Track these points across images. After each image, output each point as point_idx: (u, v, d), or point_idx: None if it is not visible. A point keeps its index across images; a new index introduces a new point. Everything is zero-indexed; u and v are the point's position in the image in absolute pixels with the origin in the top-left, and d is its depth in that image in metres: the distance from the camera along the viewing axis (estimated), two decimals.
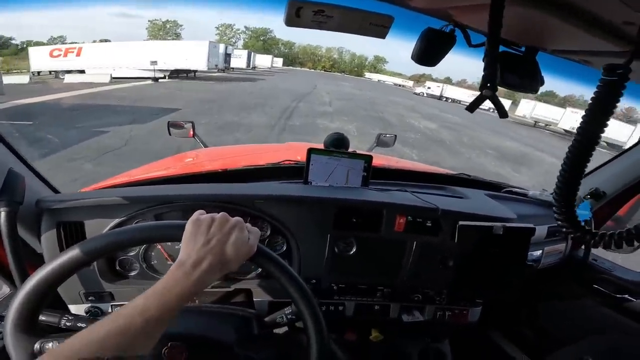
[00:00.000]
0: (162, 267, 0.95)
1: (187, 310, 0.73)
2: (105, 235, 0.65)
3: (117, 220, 0.88)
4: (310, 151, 1.03)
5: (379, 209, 0.97)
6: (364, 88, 33.19)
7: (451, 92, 39.80)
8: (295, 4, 0.59)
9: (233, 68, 35.22)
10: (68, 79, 26.36)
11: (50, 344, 0.58)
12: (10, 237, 0.74)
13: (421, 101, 29.24)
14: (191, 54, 21.91)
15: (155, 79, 20.42)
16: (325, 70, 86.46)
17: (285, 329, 0.77)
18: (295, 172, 1.16)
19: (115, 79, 20.60)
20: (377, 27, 0.64)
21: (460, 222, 0.97)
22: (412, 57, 0.68)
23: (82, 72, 24.47)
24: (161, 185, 1.03)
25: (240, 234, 0.56)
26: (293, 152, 1.62)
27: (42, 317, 0.65)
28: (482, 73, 0.52)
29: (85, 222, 0.87)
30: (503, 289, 1.08)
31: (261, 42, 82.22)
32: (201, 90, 17.04)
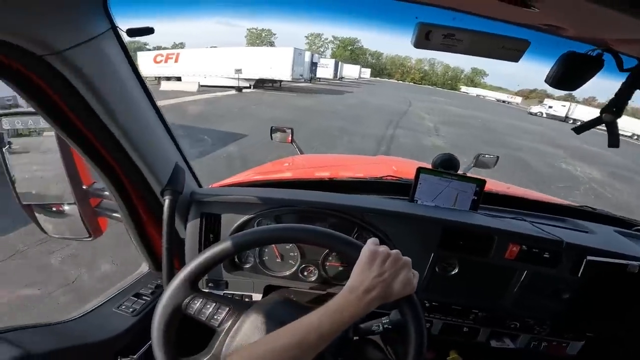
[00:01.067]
0: (271, 264, 1.01)
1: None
2: (294, 227, 0.72)
3: (245, 217, 0.96)
4: (420, 170, 1.03)
5: (491, 235, 0.95)
6: (466, 106, 28.02)
7: (580, 112, 31.42)
8: (426, 27, 0.60)
9: (319, 78, 33.69)
10: (163, 86, 27.52)
11: (197, 302, 0.68)
12: (169, 222, 0.83)
13: (546, 125, 22.92)
14: (275, 62, 20.41)
15: (239, 89, 19.40)
16: (414, 83, 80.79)
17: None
18: (397, 188, 1.17)
19: (203, 88, 20.22)
20: (510, 51, 0.63)
21: (589, 257, 0.92)
22: (547, 81, 0.65)
23: (179, 79, 25.38)
24: (283, 189, 1.06)
25: (408, 273, 0.60)
26: (386, 166, 1.70)
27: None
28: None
29: (222, 216, 0.97)
30: (626, 326, 1.03)
31: (349, 51, 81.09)
32: (281, 105, 15.07)
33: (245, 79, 20.38)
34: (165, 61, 25.81)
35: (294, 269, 0.99)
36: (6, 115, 0.84)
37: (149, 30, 0.68)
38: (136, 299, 0.97)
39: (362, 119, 12.54)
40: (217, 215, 0.97)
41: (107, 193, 0.91)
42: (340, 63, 40.09)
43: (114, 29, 0.66)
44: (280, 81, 22.31)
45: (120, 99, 0.72)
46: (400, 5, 0.59)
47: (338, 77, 38.65)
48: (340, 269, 0.99)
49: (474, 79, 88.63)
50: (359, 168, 1.78)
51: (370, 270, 0.58)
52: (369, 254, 0.60)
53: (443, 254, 0.96)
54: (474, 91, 63.64)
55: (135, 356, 0.87)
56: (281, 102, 16.24)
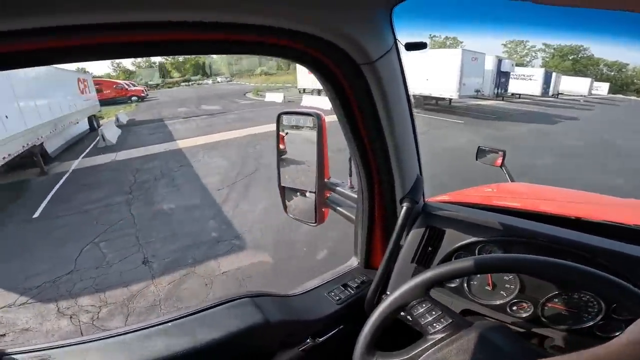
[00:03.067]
0: (477, 290, 0.94)
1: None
2: (560, 263, 0.67)
3: (472, 239, 0.92)
4: None
5: None
6: None
7: None
8: None
9: (517, 95, 23.79)
10: (269, 97, 24.58)
11: (424, 306, 0.72)
12: (400, 228, 0.88)
13: None
14: (434, 71, 13.83)
15: None
16: None
17: None
18: None
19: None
20: None
21: None
22: None
23: (320, 92, 22.60)
24: (518, 218, 0.97)
25: None
26: None
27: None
28: None
29: (447, 231, 0.96)
30: None
31: (570, 61, 59.42)
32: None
33: None
34: None
35: (504, 301, 0.89)
36: (285, 113, 1.05)
37: (423, 45, 0.71)
38: (344, 289, 1.03)
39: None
40: (441, 231, 0.97)
41: (338, 188, 1.07)
42: (554, 74, 27.65)
43: (396, 42, 0.73)
44: (450, 99, 15.43)
45: (396, 109, 0.81)
46: None
47: (551, 93, 26.75)
48: (564, 313, 0.84)
49: None
50: (605, 210, 1.40)
51: None
52: None
53: None
54: None
55: (321, 339, 0.94)
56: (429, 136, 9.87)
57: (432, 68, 13.80)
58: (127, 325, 0.80)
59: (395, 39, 0.71)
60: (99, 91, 33.02)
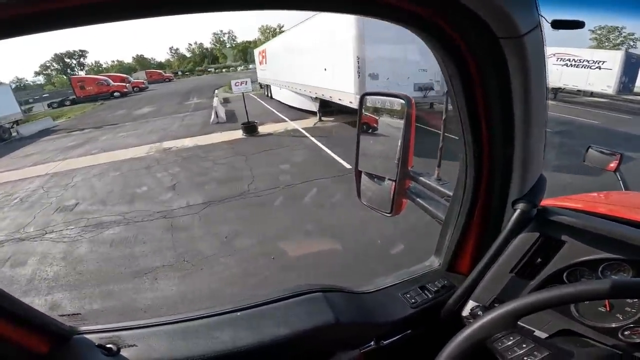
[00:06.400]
0: (587, 311, 0.80)
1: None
2: None
3: (601, 255, 0.78)
4: None
5: None
6: None
7: None
8: None
9: (582, 91, 15.61)
10: (216, 95, 19.64)
11: (511, 339, 0.68)
12: (508, 234, 0.79)
13: None
14: (333, 55, 7.73)
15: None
16: None
17: None
18: None
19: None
20: None
21: None
22: None
23: (268, 90, 16.56)
24: None
25: None
26: None
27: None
28: None
29: (567, 242, 0.81)
30: None
31: None
32: None
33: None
34: (262, 62, 17.66)
35: (618, 324, 0.76)
36: (369, 94, 0.98)
37: (577, 24, 0.62)
38: (421, 292, 0.95)
39: None
40: (560, 241, 0.81)
41: (422, 179, 0.97)
42: None
43: (540, 20, 0.65)
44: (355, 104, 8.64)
45: (535, 96, 0.71)
46: None
47: (637, 89, 16.95)
48: None
49: None
50: None
51: None
52: None
53: None
54: None
55: (386, 342, 0.89)
56: None
57: (330, 50, 7.32)
58: (197, 311, 0.82)
59: (539, 15, 0.63)
60: (82, 88, 32.15)
